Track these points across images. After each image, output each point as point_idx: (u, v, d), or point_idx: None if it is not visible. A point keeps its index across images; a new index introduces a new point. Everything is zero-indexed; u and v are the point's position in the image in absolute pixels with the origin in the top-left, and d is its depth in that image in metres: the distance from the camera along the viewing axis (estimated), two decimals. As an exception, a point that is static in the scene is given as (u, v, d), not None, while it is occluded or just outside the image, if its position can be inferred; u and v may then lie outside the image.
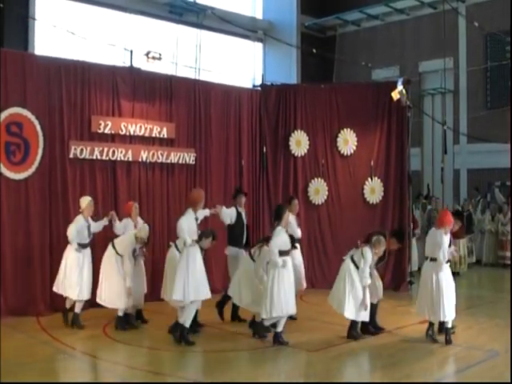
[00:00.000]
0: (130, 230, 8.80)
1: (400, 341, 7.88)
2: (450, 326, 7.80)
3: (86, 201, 8.52)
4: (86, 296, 8.39)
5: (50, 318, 8.94)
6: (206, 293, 7.69)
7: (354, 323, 7.93)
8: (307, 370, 6.80)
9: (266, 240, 8.00)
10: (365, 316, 7.91)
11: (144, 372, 6.67)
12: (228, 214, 9.06)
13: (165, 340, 7.81)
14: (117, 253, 8.34)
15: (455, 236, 13.92)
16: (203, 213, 8.31)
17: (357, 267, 7.87)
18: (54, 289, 8.53)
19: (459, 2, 18.24)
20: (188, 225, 7.62)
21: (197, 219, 7.82)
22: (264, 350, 7.56)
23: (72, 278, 8.27)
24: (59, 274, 8.43)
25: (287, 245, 7.67)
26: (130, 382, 6.48)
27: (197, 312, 7.93)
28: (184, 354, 7.39)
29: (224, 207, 9.12)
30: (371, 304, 7.93)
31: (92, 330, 8.23)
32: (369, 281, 7.83)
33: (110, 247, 8.48)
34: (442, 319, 7.73)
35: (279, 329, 7.65)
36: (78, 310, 8.39)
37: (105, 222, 8.85)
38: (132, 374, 6.62)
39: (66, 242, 9.50)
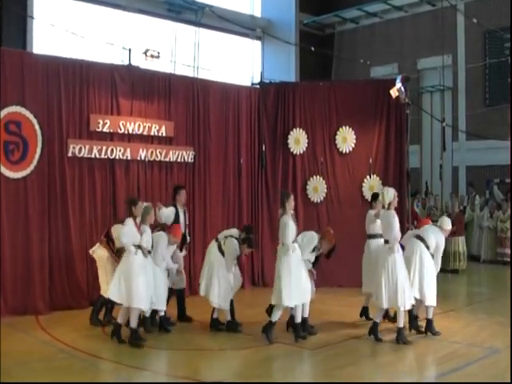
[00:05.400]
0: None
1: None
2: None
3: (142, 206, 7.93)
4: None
5: (49, 316, 8.95)
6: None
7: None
8: (307, 369, 6.80)
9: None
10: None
11: (143, 371, 6.68)
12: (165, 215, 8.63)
13: (166, 339, 7.83)
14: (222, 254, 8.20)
15: (454, 233, 14.04)
16: None
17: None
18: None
19: (458, -1, 18.26)
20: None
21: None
22: (267, 348, 7.52)
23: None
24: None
25: None
26: (129, 382, 6.48)
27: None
28: (186, 353, 7.38)
29: (164, 207, 8.74)
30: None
31: (91, 330, 8.21)
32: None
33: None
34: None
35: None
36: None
37: None
38: (131, 374, 6.62)
39: (64, 240, 9.54)
